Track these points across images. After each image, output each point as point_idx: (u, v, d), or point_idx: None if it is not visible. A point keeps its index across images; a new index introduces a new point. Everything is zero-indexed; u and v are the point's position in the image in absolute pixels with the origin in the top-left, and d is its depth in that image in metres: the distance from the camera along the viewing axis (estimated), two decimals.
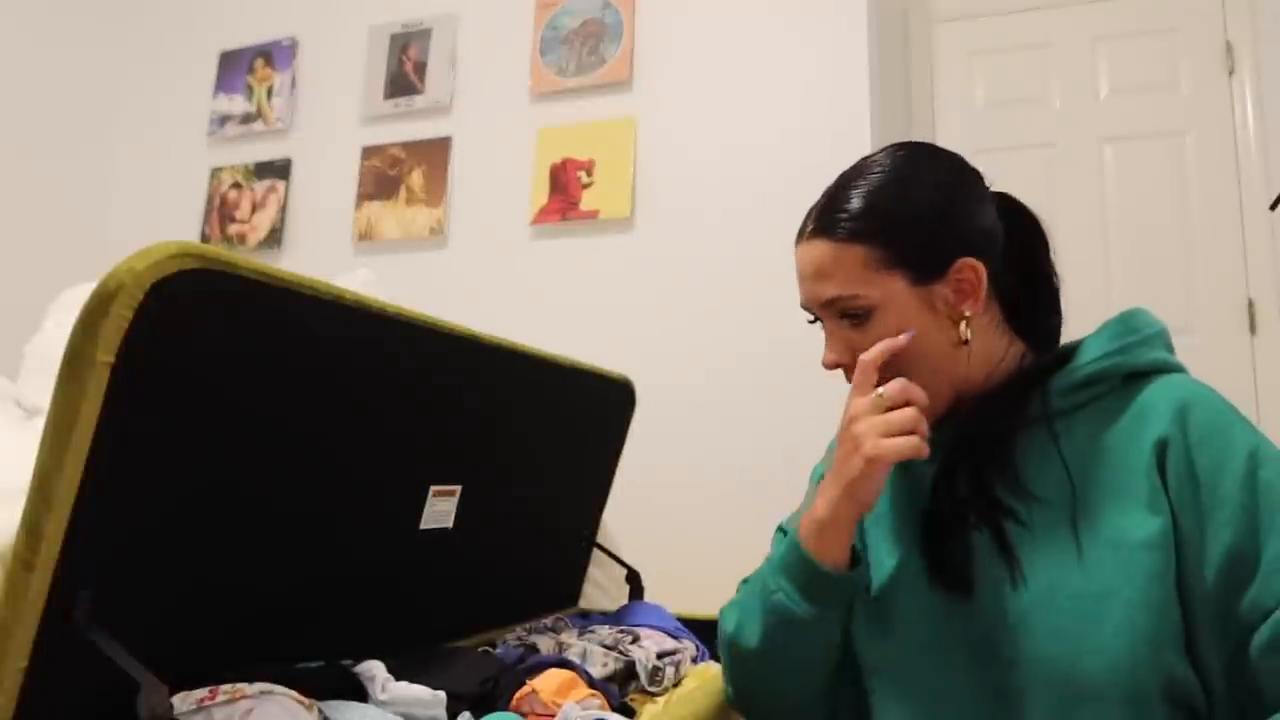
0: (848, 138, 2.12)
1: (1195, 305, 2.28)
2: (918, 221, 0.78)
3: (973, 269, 0.78)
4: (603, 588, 1.68)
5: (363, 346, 0.89)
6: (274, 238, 2.73)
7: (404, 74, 2.67)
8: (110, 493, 0.68)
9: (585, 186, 2.39)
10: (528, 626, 1.30)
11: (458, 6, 2.65)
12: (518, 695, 0.95)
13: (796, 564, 0.78)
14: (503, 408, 1.17)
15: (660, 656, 1.20)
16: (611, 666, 1.13)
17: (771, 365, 2.12)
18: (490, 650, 1.15)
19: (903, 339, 0.76)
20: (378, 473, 0.98)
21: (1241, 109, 2.31)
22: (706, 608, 1.51)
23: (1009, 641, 0.71)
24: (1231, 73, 2.34)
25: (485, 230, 2.49)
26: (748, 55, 2.30)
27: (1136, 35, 2.43)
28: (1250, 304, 2.24)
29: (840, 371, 0.83)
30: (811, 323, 0.85)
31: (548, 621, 1.34)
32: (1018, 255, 0.83)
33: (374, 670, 0.87)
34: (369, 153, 2.66)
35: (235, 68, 2.90)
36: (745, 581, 0.92)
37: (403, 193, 2.59)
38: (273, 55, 2.86)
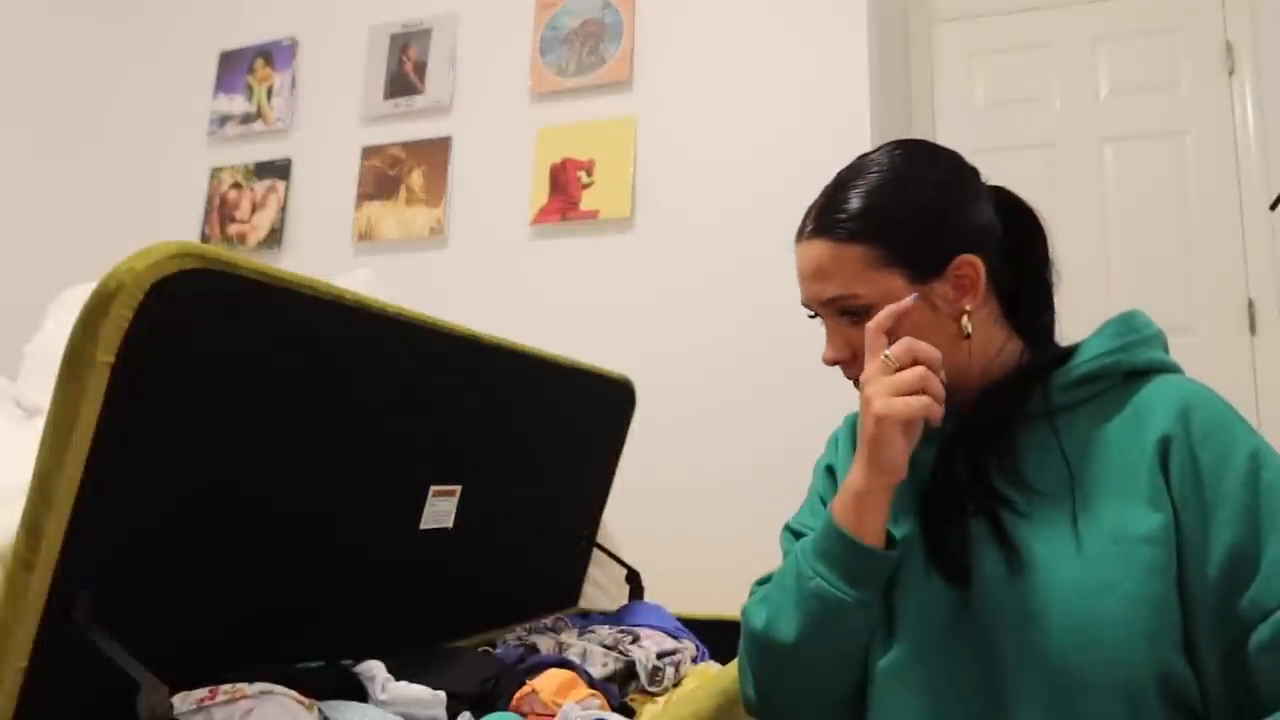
0: (848, 138, 2.12)
1: (1195, 305, 2.28)
2: (916, 221, 0.78)
3: (971, 265, 0.78)
4: (603, 588, 1.68)
5: (363, 346, 0.89)
6: (274, 238, 2.73)
7: (404, 74, 2.67)
8: (110, 493, 0.68)
9: (585, 186, 2.39)
10: (528, 626, 1.30)
11: (458, 6, 2.65)
12: (518, 695, 0.95)
13: (835, 545, 0.76)
14: (503, 408, 1.17)
15: (660, 656, 1.20)
16: (611, 666, 1.13)
17: (771, 365, 2.12)
18: (490, 650, 1.15)
19: (907, 302, 0.77)
20: (378, 473, 0.98)
21: (1241, 109, 2.31)
22: (706, 608, 1.52)
23: (1007, 631, 0.71)
24: (1231, 73, 2.34)
25: (485, 230, 2.49)
26: (747, 55, 2.30)
27: (1136, 35, 2.43)
28: (1250, 304, 2.24)
29: (840, 369, 0.84)
30: (812, 318, 0.86)
31: (548, 621, 1.34)
32: (1015, 249, 0.84)
33: (374, 670, 0.87)
34: (369, 153, 2.66)
35: (235, 68, 2.90)
36: (760, 582, 0.89)
37: (403, 193, 2.59)
38: (273, 55, 2.86)
